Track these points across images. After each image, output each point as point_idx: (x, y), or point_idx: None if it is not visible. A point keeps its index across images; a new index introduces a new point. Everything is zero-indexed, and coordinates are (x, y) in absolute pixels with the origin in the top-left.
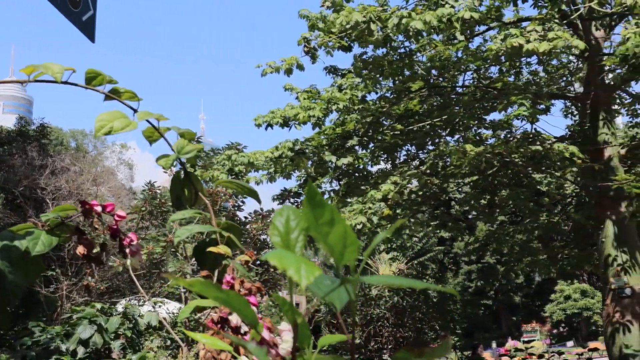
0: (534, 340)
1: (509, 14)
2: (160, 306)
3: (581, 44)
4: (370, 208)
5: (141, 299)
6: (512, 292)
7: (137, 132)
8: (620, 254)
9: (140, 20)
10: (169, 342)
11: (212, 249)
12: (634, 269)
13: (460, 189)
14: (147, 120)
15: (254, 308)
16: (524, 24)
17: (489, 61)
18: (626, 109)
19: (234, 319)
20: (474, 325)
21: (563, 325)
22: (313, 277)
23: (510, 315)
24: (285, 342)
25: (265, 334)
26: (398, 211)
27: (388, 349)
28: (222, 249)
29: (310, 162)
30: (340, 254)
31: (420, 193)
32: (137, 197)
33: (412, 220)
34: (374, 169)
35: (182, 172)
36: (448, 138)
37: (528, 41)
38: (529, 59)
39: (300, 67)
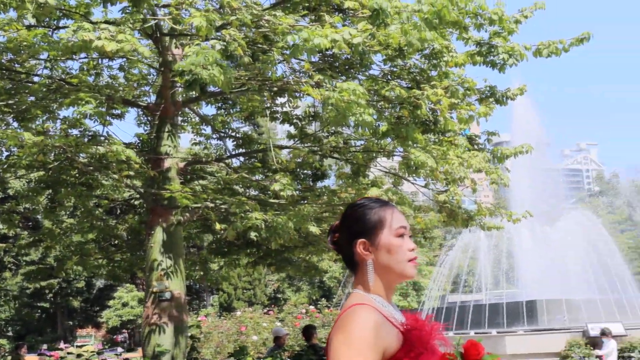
0: (87, 344)
1: (99, 15)
2: None
3: (147, 52)
4: None
5: None
6: (71, 297)
7: None
8: (166, 259)
9: None
10: None
11: None
12: (176, 274)
13: (30, 184)
14: None
15: None
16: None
17: (63, 53)
18: (192, 127)
19: None
20: (28, 329)
21: (118, 330)
22: None
23: (68, 319)
24: None
25: None
26: None
27: None
28: None
29: None
30: None
31: None
32: None
33: None
34: None
35: None
36: (15, 125)
37: (99, 38)
38: (111, 63)
39: None
